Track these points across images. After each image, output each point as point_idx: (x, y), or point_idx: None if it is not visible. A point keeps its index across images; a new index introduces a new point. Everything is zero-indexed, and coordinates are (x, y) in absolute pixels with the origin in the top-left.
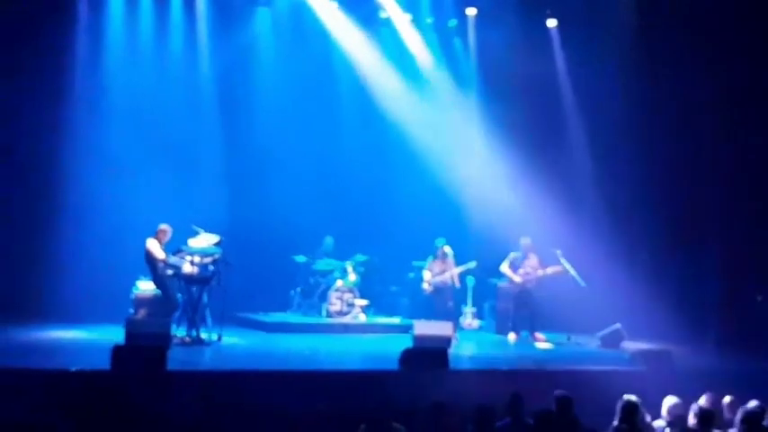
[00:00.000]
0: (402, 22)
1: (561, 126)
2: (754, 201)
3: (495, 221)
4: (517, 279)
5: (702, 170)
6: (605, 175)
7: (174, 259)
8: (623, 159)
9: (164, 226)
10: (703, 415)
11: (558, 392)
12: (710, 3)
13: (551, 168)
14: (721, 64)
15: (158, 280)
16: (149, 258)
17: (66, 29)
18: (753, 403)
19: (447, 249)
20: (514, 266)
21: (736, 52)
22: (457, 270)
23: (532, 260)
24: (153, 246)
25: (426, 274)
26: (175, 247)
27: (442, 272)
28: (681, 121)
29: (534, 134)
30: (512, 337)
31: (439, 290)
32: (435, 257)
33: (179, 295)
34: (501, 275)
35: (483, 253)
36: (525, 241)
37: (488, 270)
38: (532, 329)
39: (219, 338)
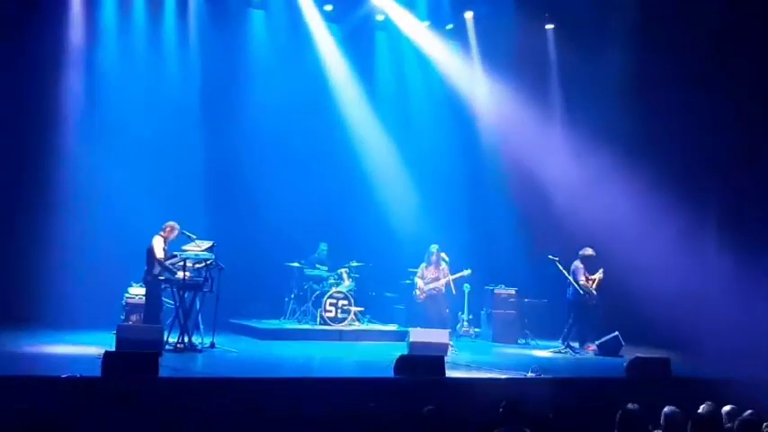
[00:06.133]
0: (405, 24)
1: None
2: None
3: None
4: (594, 291)
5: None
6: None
7: (169, 262)
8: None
9: (170, 223)
10: (702, 424)
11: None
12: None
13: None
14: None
15: (147, 283)
16: (149, 257)
17: (59, 29)
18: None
19: (443, 255)
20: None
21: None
22: (452, 277)
23: None
24: (157, 243)
25: (419, 282)
26: (169, 253)
27: (436, 279)
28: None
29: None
30: (592, 348)
31: (432, 297)
32: (429, 263)
33: (166, 302)
34: (496, 283)
35: (478, 260)
36: (591, 252)
37: (484, 277)
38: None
39: (212, 345)
